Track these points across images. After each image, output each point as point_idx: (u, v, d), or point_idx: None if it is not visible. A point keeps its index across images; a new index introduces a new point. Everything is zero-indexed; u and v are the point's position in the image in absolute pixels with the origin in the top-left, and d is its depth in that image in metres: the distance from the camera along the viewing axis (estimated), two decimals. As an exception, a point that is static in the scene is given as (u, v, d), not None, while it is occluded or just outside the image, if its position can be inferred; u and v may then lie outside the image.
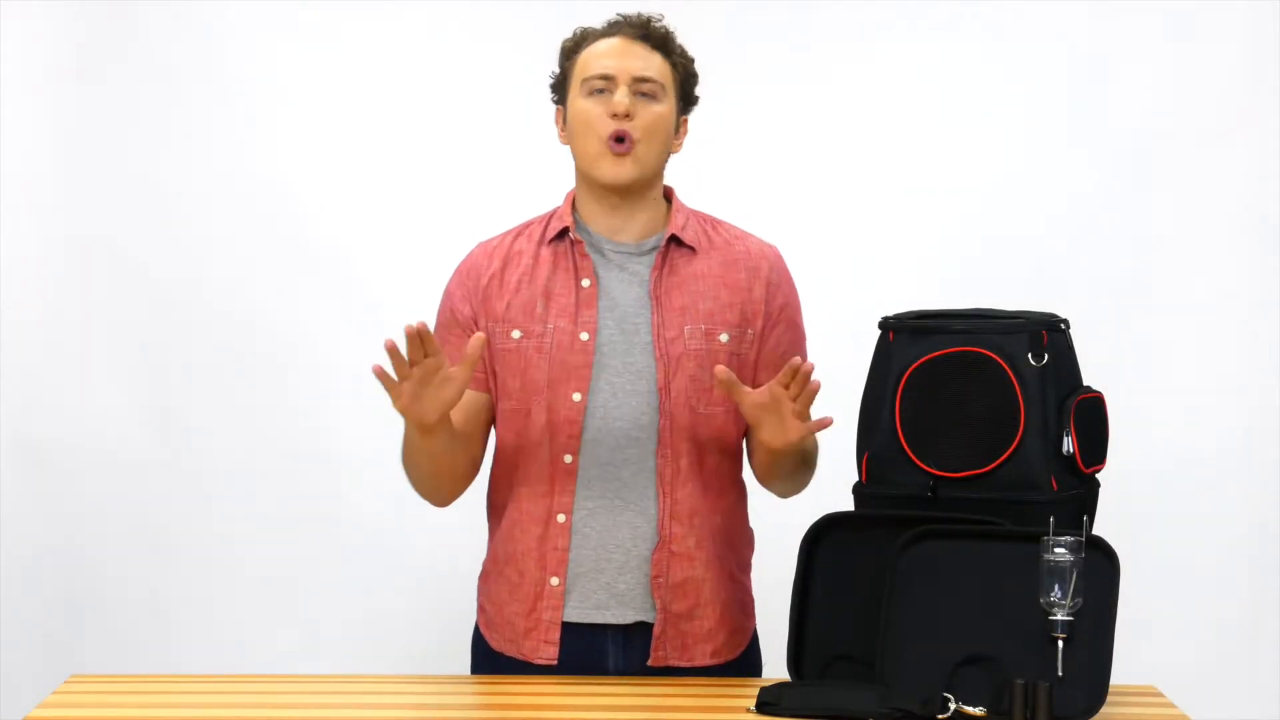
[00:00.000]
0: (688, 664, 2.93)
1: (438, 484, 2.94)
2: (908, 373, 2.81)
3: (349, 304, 4.25)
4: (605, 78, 2.87)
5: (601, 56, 2.88)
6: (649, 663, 2.90)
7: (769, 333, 2.95)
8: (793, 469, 2.95)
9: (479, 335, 2.72)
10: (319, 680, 2.99)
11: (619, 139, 2.85)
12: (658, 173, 2.94)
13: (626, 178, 2.88)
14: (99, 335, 4.23)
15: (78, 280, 4.22)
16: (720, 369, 2.75)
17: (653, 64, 2.89)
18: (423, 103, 4.26)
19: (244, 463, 4.24)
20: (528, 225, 2.99)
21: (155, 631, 4.23)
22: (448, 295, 2.99)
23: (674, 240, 2.92)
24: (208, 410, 4.24)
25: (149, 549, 4.24)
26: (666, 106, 2.90)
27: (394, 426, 4.13)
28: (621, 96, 2.85)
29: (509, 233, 3.00)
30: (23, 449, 4.22)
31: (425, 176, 4.26)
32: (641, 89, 2.87)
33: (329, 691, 2.85)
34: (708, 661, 2.94)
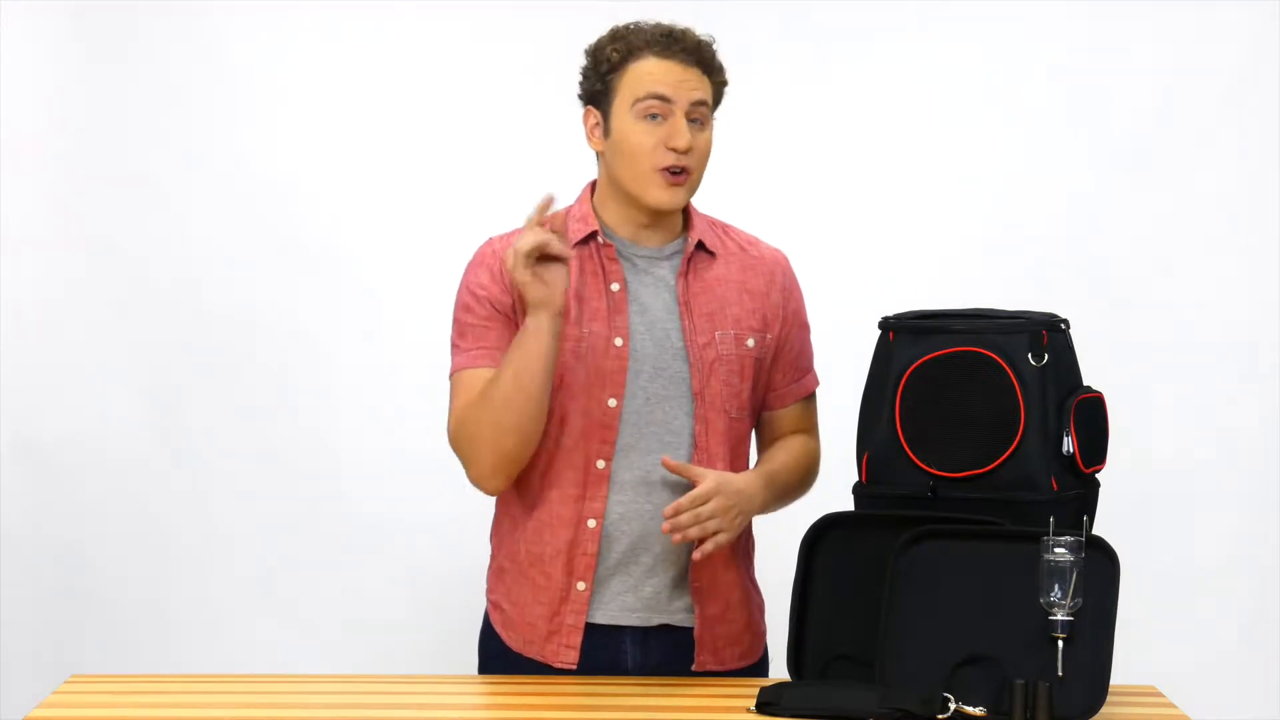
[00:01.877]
0: (720, 667, 2.93)
1: (535, 424, 2.78)
2: (908, 373, 2.81)
3: (349, 304, 4.24)
4: (662, 102, 2.83)
5: (657, 81, 2.83)
6: (693, 668, 2.90)
7: (785, 337, 2.98)
8: (787, 491, 2.98)
9: (547, 195, 2.68)
10: (319, 680, 2.99)
11: (675, 170, 2.84)
12: None
13: (678, 204, 2.88)
14: (99, 335, 4.22)
15: (78, 280, 4.22)
16: (666, 460, 2.80)
17: (704, 89, 2.87)
18: (422, 103, 4.26)
19: (244, 463, 4.24)
20: None
21: (155, 631, 4.22)
22: (478, 287, 2.89)
23: (698, 245, 2.93)
24: (208, 410, 4.24)
25: (149, 549, 4.23)
26: (711, 128, 2.90)
27: (393, 427, 4.12)
28: (684, 130, 2.82)
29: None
30: (23, 449, 4.22)
31: (425, 176, 4.26)
32: (693, 115, 2.85)
33: (329, 691, 2.85)
34: (738, 664, 2.95)
